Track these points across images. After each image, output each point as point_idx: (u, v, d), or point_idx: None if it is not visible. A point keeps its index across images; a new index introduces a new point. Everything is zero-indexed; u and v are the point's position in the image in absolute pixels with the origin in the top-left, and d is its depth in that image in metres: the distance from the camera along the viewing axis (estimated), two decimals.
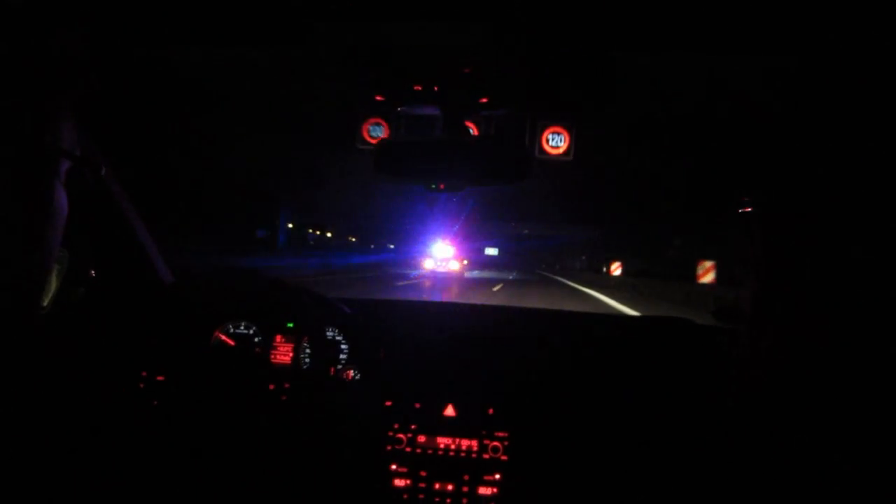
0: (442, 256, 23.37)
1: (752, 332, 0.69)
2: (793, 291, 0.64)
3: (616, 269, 22.96)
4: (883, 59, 0.58)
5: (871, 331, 0.49)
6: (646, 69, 1.32)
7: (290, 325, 1.60)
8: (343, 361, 1.56)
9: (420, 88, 1.15)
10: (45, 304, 1.45)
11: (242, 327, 1.62)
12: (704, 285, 13.43)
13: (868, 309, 0.52)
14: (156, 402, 1.51)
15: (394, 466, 1.39)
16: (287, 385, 1.52)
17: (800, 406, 0.63)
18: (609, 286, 20.85)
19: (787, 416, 0.64)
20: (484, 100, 1.20)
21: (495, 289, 17.19)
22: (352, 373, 1.54)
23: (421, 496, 1.36)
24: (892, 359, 0.48)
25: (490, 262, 55.02)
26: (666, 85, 1.44)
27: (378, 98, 1.18)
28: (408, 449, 1.40)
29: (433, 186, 1.28)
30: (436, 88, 1.15)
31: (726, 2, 0.89)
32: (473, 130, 1.26)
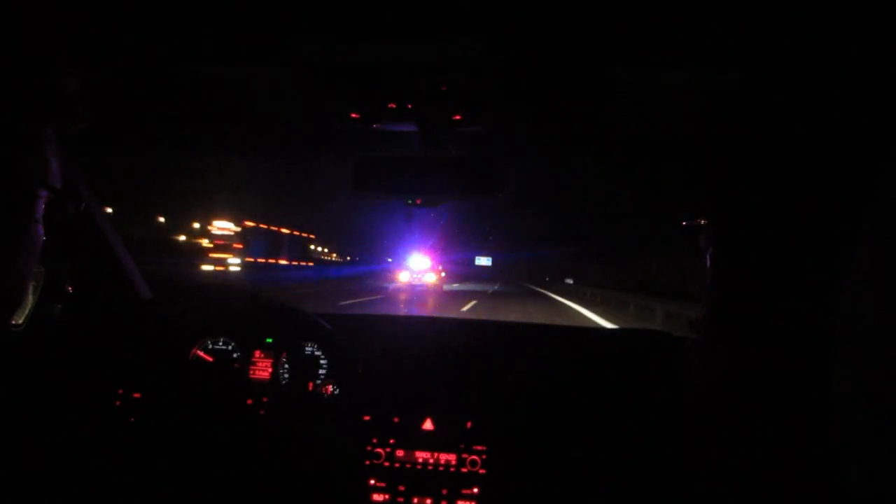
0: (419, 268, 22.55)
1: (707, 343, 0.71)
2: (744, 302, 0.65)
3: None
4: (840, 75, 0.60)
5: (823, 340, 0.51)
6: (627, 84, 1.34)
7: (269, 340, 1.60)
8: (322, 376, 1.56)
9: (395, 106, 1.17)
10: (20, 321, 1.44)
11: (221, 343, 1.62)
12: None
13: (821, 319, 0.54)
14: (132, 419, 1.49)
15: (372, 481, 1.38)
16: (265, 400, 1.52)
17: (756, 417, 0.65)
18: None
19: (744, 427, 0.66)
20: (458, 117, 1.22)
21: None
22: (330, 388, 1.54)
23: None
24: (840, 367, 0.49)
25: (484, 273, 54.56)
26: (635, 99, 1.46)
27: (353, 115, 1.20)
28: (386, 463, 1.40)
29: (410, 201, 1.31)
30: (410, 106, 1.17)
31: (689, 20, 0.92)
32: (448, 146, 1.28)
